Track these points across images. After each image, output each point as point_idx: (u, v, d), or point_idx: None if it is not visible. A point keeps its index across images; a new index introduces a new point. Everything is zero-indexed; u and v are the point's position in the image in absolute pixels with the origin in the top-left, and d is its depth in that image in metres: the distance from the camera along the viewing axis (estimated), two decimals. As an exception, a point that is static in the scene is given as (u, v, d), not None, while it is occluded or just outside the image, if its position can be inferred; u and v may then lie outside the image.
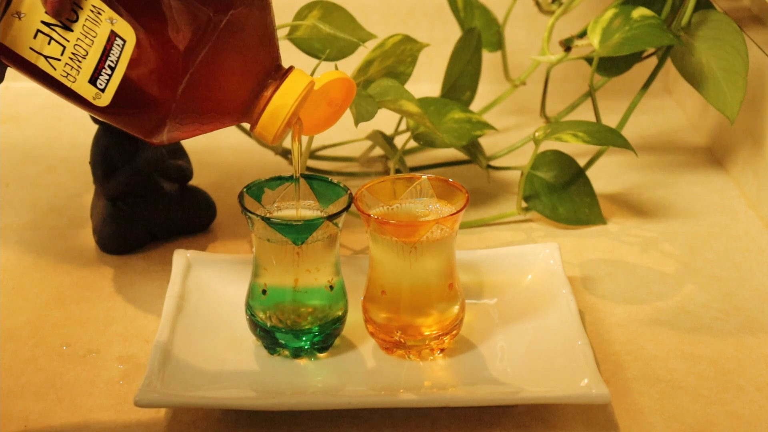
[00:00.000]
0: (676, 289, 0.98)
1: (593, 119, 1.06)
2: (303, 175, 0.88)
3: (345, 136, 1.18)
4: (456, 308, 0.87)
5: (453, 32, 1.25)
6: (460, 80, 1.18)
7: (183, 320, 0.88)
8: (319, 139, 1.14)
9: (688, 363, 0.88)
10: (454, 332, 0.87)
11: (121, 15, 0.76)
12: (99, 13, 0.76)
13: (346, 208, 0.84)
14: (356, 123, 0.94)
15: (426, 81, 1.29)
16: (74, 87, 0.77)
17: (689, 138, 1.26)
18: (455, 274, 0.87)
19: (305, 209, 0.88)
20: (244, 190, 0.86)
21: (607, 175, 1.15)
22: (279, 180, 0.88)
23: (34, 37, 0.77)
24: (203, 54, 0.76)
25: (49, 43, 0.77)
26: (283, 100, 0.79)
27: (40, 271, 1.00)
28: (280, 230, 0.83)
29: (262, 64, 0.79)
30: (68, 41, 0.76)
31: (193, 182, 1.07)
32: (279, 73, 0.80)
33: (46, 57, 0.77)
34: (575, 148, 1.12)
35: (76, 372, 0.87)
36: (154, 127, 0.77)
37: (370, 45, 1.06)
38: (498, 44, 1.23)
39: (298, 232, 0.83)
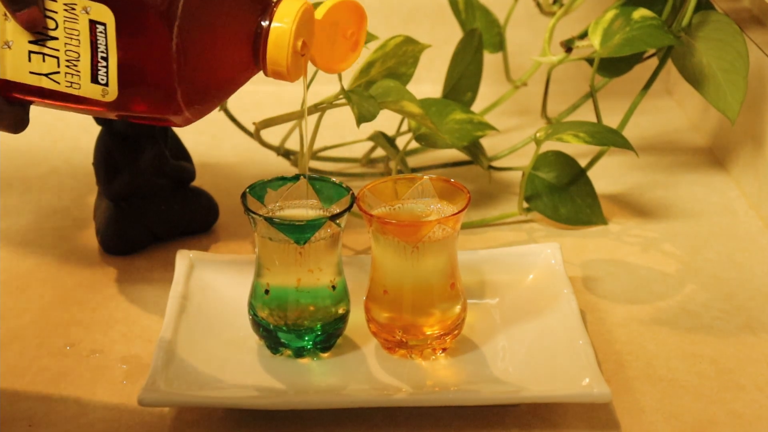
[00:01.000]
0: (677, 289, 0.98)
1: (594, 120, 1.06)
2: (305, 176, 0.88)
3: (347, 137, 1.18)
4: (458, 308, 0.87)
5: (454, 33, 1.26)
6: (462, 81, 1.18)
7: (186, 320, 0.89)
8: (321, 140, 1.14)
9: (689, 362, 0.88)
10: (456, 332, 0.87)
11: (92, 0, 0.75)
12: (72, 8, 0.75)
13: (349, 208, 0.85)
14: (358, 124, 0.95)
15: (427, 82, 1.30)
16: (82, 93, 0.76)
17: (690, 138, 1.26)
18: (457, 273, 0.87)
19: (308, 208, 0.88)
20: (247, 190, 0.86)
21: (608, 175, 1.16)
22: (281, 180, 0.88)
23: (29, 60, 0.77)
24: (182, 7, 0.74)
25: (44, 61, 0.76)
26: (281, 24, 0.77)
27: (44, 271, 1.00)
28: (282, 230, 0.83)
29: (250, 3, 0.77)
30: (58, 50, 0.76)
31: (195, 183, 1.07)
32: (270, 8, 0.78)
33: (47, 75, 0.77)
34: (576, 148, 1.12)
35: (79, 372, 0.87)
36: (169, 100, 0.76)
37: (372, 46, 1.06)
38: (499, 45, 1.23)
39: (301, 231, 0.83)
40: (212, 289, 0.93)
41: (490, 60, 1.25)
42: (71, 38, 0.76)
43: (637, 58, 1.13)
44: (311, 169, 1.14)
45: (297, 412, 0.82)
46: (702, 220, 1.09)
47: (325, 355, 0.87)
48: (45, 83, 0.77)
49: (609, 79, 1.16)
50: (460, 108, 1.10)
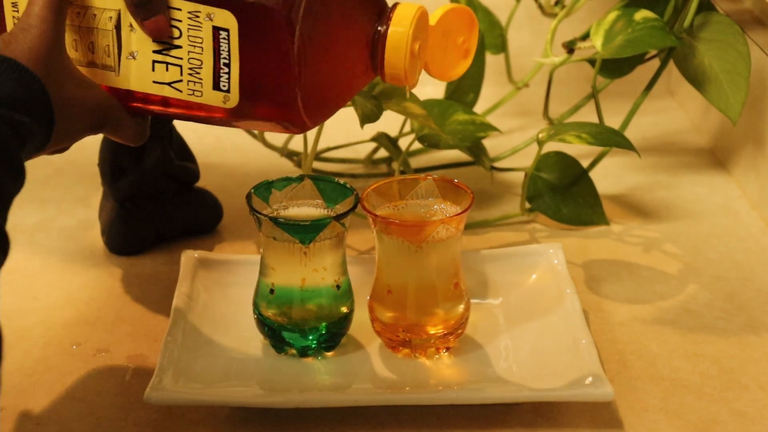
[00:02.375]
0: (679, 289, 0.98)
1: (596, 121, 1.07)
2: (309, 176, 0.89)
3: (350, 138, 1.19)
4: (461, 308, 0.87)
5: (457, 35, 1.26)
6: (464, 82, 1.19)
7: (191, 320, 0.89)
8: (325, 141, 1.15)
9: (692, 362, 0.88)
10: (460, 331, 0.88)
11: (215, 5, 0.75)
12: (197, 15, 0.76)
13: (353, 208, 0.85)
14: (362, 124, 0.95)
15: (430, 83, 1.29)
16: (203, 100, 0.77)
17: (692, 139, 1.26)
18: (460, 273, 0.87)
19: (312, 208, 0.88)
20: (252, 190, 0.87)
21: (610, 176, 1.16)
22: (286, 181, 0.88)
23: (153, 69, 0.78)
24: (303, 12, 0.74)
25: (167, 70, 0.77)
26: (398, 29, 0.78)
27: (50, 272, 1.01)
28: (287, 230, 0.84)
29: (366, 9, 0.78)
30: (182, 59, 0.77)
31: (199, 184, 1.07)
32: (386, 12, 0.79)
33: (169, 84, 0.77)
34: (578, 149, 1.12)
35: (86, 371, 0.88)
36: (289, 106, 0.76)
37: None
38: (501, 47, 1.23)
39: (306, 231, 0.84)
40: (217, 289, 0.93)
41: (492, 61, 1.26)
42: (194, 46, 0.76)
43: (638, 59, 1.13)
44: (315, 170, 1.15)
45: (301, 410, 0.82)
46: (703, 221, 1.09)
47: (330, 354, 0.88)
48: (167, 92, 0.78)
49: (611, 80, 1.16)
50: (462, 109, 1.10)
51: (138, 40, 0.78)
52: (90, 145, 1.15)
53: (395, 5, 0.79)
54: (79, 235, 1.07)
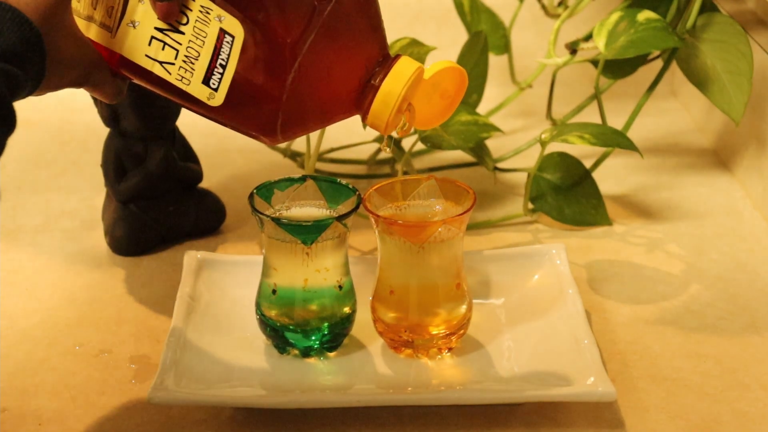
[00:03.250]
0: (681, 289, 0.98)
1: (599, 121, 1.07)
2: (312, 177, 0.89)
3: (353, 139, 1.19)
4: (463, 308, 0.87)
5: (460, 35, 1.26)
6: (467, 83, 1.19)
7: (194, 320, 0.89)
8: (327, 142, 1.15)
9: (694, 362, 0.88)
10: (462, 332, 0.88)
11: (227, 11, 0.76)
12: (207, 12, 0.77)
13: (355, 209, 0.85)
14: (364, 125, 0.95)
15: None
16: (188, 89, 0.78)
17: (694, 140, 1.26)
18: (463, 274, 0.87)
19: (314, 209, 0.89)
20: (255, 191, 0.87)
21: (612, 176, 1.16)
22: (288, 181, 0.88)
23: (149, 44, 0.78)
24: (310, 43, 0.76)
25: (163, 49, 0.78)
26: (392, 86, 0.79)
27: (53, 272, 1.01)
28: (289, 231, 0.84)
29: (369, 52, 0.79)
30: (180, 44, 0.77)
31: (202, 184, 1.08)
32: (387, 61, 0.80)
33: (161, 63, 0.78)
34: (581, 149, 1.12)
35: (89, 371, 0.88)
36: (268, 123, 0.78)
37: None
38: (504, 47, 1.23)
39: (308, 232, 0.84)
40: (220, 290, 0.94)
41: (496, 62, 1.26)
42: (197, 37, 0.77)
43: (641, 60, 1.14)
44: (318, 171, 1.15)
45: (304, 411, 0.83)
46: (706, 221, 1.09)
47: (332, 354, 0.88)
48: (157, 69, 0.78)
49: (614, 81, 1.16)
50: (465, 110, 1.10)
51: (143, 13, 0.78)
52: (93, 147, 1.15)
53: (397, 57, 0.80)
54: (82, 236, 1.07)
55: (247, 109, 0.78)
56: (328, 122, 0.81)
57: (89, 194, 1.14)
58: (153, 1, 0.78)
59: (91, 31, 0.80)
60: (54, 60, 0.74)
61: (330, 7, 0.76)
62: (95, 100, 1.01)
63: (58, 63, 0.75)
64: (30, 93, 0.74)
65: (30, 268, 1.02)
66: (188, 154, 1.06)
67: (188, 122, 1.07)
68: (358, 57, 0.79)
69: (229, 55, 0.77)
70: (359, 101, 0.80)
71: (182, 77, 0.78)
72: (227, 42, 0.76)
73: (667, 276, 1.00)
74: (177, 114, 1.03)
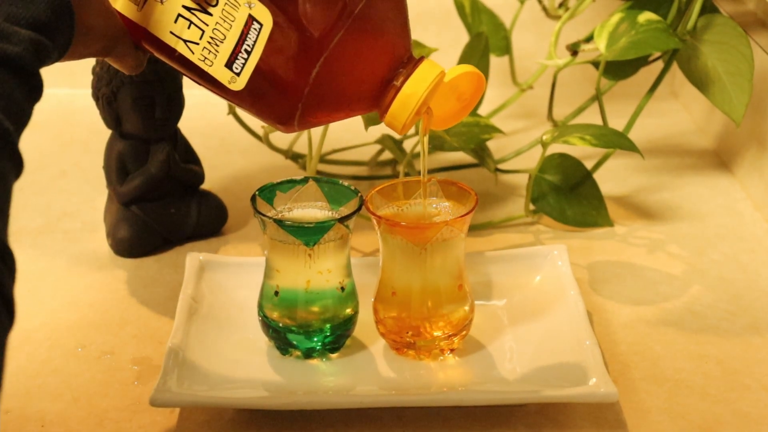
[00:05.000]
0: (682, 290, 0.98)
1: (600, 122, 1.07)
2: (314, 178, 0.89)
3: (355, 140, 1.19)
4: (465, 309, 0.87)
5: (461, 37, 1.26)
6: (468, 84, 1.19)
7: (196, 322, 0.89)
8: (329, 143, 1.15)
9: (695, 363, 0.89)
10: (464, 333, 0.88)
11: None
12: None
13: (357, 210, 0.85)
14: (366, 127, 0.95)
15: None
16: (210, 71, 0.78)
17: (695, 141, 1.26)
18: (465, 275, 0.87)
19: (317, 210, 0.89)
20: (257, 192, 0.87)
21: (614, 177, 1.16)
22: (290, 183, 0.89)
23: (175, 21, 0.78)
24: (337, 39, 0.76)
25: (188, 28, 0.78)
26: (413, 88, 0.79)
27: (55, 274, 1.01)
28: (292, 232, 0.84)
29: (394, 53, 0.79)
30: (207, 25, 0.78)
31: (204, 186, 1.08)
32: (410, 63, 0.80)
33: (185, 41, 0.78)
34: (582, 151, 1.12)
35: (91, 373, 0.88)
36: (286, 113, 0.78)
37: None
38: (505, 49, 1.23)
39: (310, 234, 0.84)
40: (222, 291, 0.94)
41: (497, 63, 1.26)
42: (225, 20, 0.77)
43: (642, 61, 1.14)
44: (320, 172, 1.15)
45: (306, 412, 0.83)
46: (707, 222, 1.09)
47: (334, 355, 0.88)
48: (180, 47, 0.79)
49: (615, 82, 1.16)
50: (466, 111, 1.10)
51: None
52: (95, 148, 1.15)
53: (420, 60, 0.80)
54: (84, 238, 1.07)
55: (268, 98, 0.78)
56: (346, 116, 0.81)
57: (91, 196, 1.14)
58: None
59: (118, 3, 0.80)
60: (81, 31, 0.75)
61: (361, 5, 0.76)
62: (97, 102, 1.01)
63: (85, 34, 0.75)
64: (55, 61, 0.74)
65: (32, 270, 1.02)
66: (190, 156, 1.06)
67: (190, 124, 1.07)
68: (384, 56, 0.79)
69: (255, 41, 0.77)
70: (379, 99, 0.80)
71: (205, 58, 0.78)
72: (255, 29, 0.77)
73: (668, 277, 1.00)
74: (179, 116, 1.03)
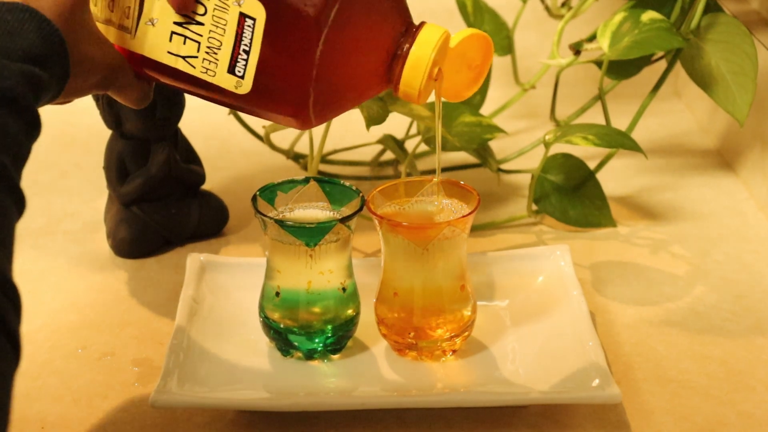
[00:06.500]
0: (686, 291, 0.98)
1: (603, 122, 1.06)
2: (315, 179, 0.89)
3: (356, 140, 1.19)
4: (468, 310, 0.87)
5: (463, 37, 1.26)
6: (471, 84, 1.18)
7: (197, 323, 0.89)
8: (331, 143, 1.15)
9: (699, 363, 0.88)
10: (466, 334, 0.87)
11: None
12: None
13: (359, 210, 0.85)
14: (368, 126, 0.95)
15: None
16: (215, 81, 0.77)
17: (699, 141, 1.26)
18: (467, 275, 0.87)
19: (318, 211, 0.88)
20: (258, 192, 0.87)
21: (616, 177, 1.16)
22: (292, 183, 0.88)
23: (170, 40, 0.78)
24: (334, 14, 0.75)
25: (184, 43, 0.77)
26: (420, 51, 0.78)
27: (55, 275, 1.01)
28: (293, 233, 0.84)
29: (393, 23, 0.79)
30: (201, 36, 0.77)
31: (205, 186, 1.07)
32: (412, 29, 0.79)
33: (184, 58, 0.78)
34: (585, 151, 1.12)
35: (91, 374, 0.88)
36: (299, 104, 0.77)
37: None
38: (508, 48, 1.23)
39: (311, 234, 0.84)
40: (223, 292, 0.93)
41: (499, 63, 1.26)
42: (217, 26, 0.77)
43: (645, 61, 1.13)
44: (321, 172, 1.14)
45: (307, 413, 0.82)
46: (711, 222, 1.09)
47: (336, 357, 0.88)
48: (180, 65, 0.78)
49: (618, 82, 1.16)
50: (468, 111, 1.10)
51: (161, 8, 0.78)
52: (95, 148, 1.15)
53: (422, 24, 0.80)
54: (85, 239, 1.07)
55: (277, 93, 0.77)
56: (360, 98, 0.80)
57: (92, 196, 1.14)
58: None
59: (111, 35, 0.80)
60: (76, 61, 0.74)
61: None
62: (97, 102, 1.01)
63: (80, 64, 0.74)
64: (56, 96, 0.73)
65: (32, 271, 1.01)
66: (191, 156, 1.06)
67: (191, 124, 1.07)
68: (384, 26, 0.78)
69: (251, 39, 0.76)
70: (389, 74, 0.79)
71: (207, 69, 0.77)
72: (248, 26, 0.76)
73: (671, 277, 1.00)
74: (179, 116, 1.02)
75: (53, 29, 0.71)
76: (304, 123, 0.78)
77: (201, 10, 0.77)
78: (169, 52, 0.78)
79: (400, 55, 0.79)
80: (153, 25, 0.78)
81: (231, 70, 0.77)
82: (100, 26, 0.80)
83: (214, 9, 0.76)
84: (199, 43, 0.77)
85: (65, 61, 0.72)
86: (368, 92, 0.81)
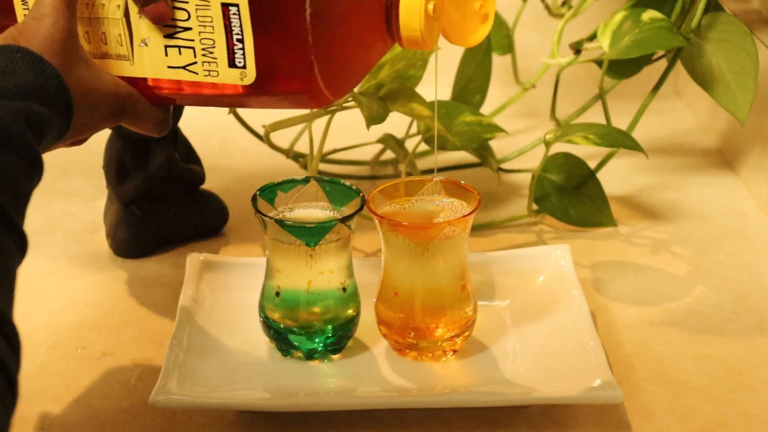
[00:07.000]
0: (687, 291, 0.98)
1: (603, 122, 1.06)
2: (315, 178, 0.88)
3: (356, 140, 1.18)
4: (468, 310, 0.87)
5: (463, 36, 1.26)
6: (471, 83, 1.18)
7: (197, 323, 0.89)
8: (331, 143, 1.14)
9: (700, 363, 0.88)
10: (467, 333, 0.87)
11: None
12: None
13: (359, 210, 0.85)
14: (368, 126, 0.95)
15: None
16: (220, 80, 0.77)
17: (699, 140, 1.26)
18: (467, 275, 0.87)
19: (318, 211, 0.88)
20: (258, 192, 0.86)
21: (617, 177, 1.16)
22: (292, 183, 0.88)
23: (166, 54, 0.77)
24: None
25: (180, 53, 0.77)
26: None
27: (55, 275, 1.01)
28: (293, 232, 0.84)
29: None
30: (193, 40, 0.77)
31: (205, 186, 1.07)
32: None
33: (184, 67, 0.77)
34: (585, 150, 1.12)
35: (91, 375, 0.87)
36: (306, 78, 0.75)
37: (381, 49, 1.06)
38: (508, 47, 1.23)
39: (311, 234, 0.83)
40: (223, 292, 0.93)
41: (499, 62, 1.25)
42: (205, 26, 0.76)
43: (646, 60, 1.13)
44: (321, 172, 1.14)
45: (308, 414, 0.82)
46: (712, 222, 1.09)
47: (336, 357, 0.88)
48: (183, 76, 0.78)
49: (618, 81, 1.16)
50: (469, 110, 1.10)
51: (148, 27, 0.77)
52: (95, 148, 1.15)
53: None
54: (84, 238, 1.07)
55: (282, 71, 0.76)
56: (368, 59, 0.79)
57: (91, 196, 1.14)
58: (141, 10, 0.77)
59: (113, 68, 0.79)
60: (78, 92, 0.73)
61: None
62: None
63: (83, 95, 0.74)
64: (63, 132, 0.72)
65: (32, 271, 1.01)
66: (190, 156, 1.06)
67: (191, 123, 1.07)
68: None
69: (241, 26, 0.75)
70: (389, 26, 0.78)
71: (209, 71, 0.77)
72: (234, 14, 0.75)
73: (672, 277, 1.00)
74: (179, 115, 1.02)
75: (46, 64, 0.71)
76: (320, 97, 0.77)
77: (183, 15, 0.76)
78: (169, 67, 0.78)
79: (393, 4, 0.78)
80: (146, 45, 0.78)
81: (232, 63, 0.77)
82: (100, 63, 0.79)
83: (197, 9, 0.76)
84: (193, 48, 0.77)
85: (64, 94, 0.71)
86: (373, 50, 0.79)
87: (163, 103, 0.81)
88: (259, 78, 0.76)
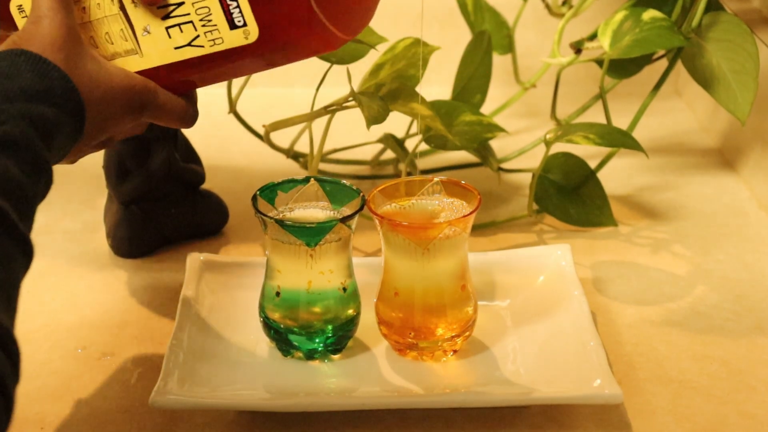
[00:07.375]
0: (687, 291, 0.98)
1: (604, 121, 1.06)
2: (315, 178, 0.88)
3: (357, 139, 1.18)
4: (469, 310, 0.87)
5: (463, 35, 1.26)
6: (471, 83, 1.18)
7: (197, 323, 0.89)
8: (331, 143, 1.14)
9: (700, 363, 0.88)
10: (467, 333, 0.87)
11: None
12: None
13: (359, 210, 0.85)
14: (368, 126, 0.95)
15: (437, 84, 1.30)
16: (226, 45, 0.77)
17: (700, 140, 1.26)
18: (468, 275, 0.87)
19: (318, 211, 0.88)
20: (258, 192, 0.86)
21: (617, 177, 1.16)
22: (292, 182, 0.88)
23: (169, 37, 0.77)
24: None
25: (181, 31, 0.77)
26: None
27: (55, 275, 1.01)
28: (293, 232, 0.83)
29: None
30: (189, 14, 0.77)
31: (205, 186, 1.07)
32: None
33: (189, 44, 0.77)
34: (586, 150, 1.12)
35: (91, 375, 0.87)
36: (310, 19, 0.74)
37: (381, 48, 1.06)
38: (508, 47, 1.23)
39: (311, 234, 0.83)
40: (223, 292, 0.93)
41: (499, 62, 1.25)
42: None
43: (646, 60, 1.13)
44: (321, 172, 1.14)
45: (308, 414, 0.82)
46: (712, 222, 1.09)
47: (336, 357, 0.88)
48: (190, 53, 0.78)
49: (618, 81, 1.16)
50: (469, 110, 1.10)
51: (145, 14, 0.77)
52: (95, 148, 1.15)
53: None
54: (84, 238, 1.06)
55: (284, 20, 0.75)
56: None
57: (91, 196, 1.14)
58: None
59: (127, 63, 0.79)
60: (88, 89, 0.73)
61: None
62: None
63: (93, 91, 0.73)
64: (78, 132, 0.71)
65: (31, 271, 1.00)
66: (190, 156, 1.06)
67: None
68: None
69: None
70: None
71: (213, 40, 0.77)
72: None
73: (672, 277, 1.00)
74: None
75: (49, 64, 0.70)
76: (329, 39, 0.76)
77: None
78: (175, 48, 0.78)
79: None
80: (149, 32, 0.78)
81: (232, 25, 0.76)
82: (113, 62, 0.79)
83: None
84: (192, 22, 0.77)
85: (72, 93, 0.71)
86: None
87: (186, 90, 0.81)
88: (264, 32, 0.76)
